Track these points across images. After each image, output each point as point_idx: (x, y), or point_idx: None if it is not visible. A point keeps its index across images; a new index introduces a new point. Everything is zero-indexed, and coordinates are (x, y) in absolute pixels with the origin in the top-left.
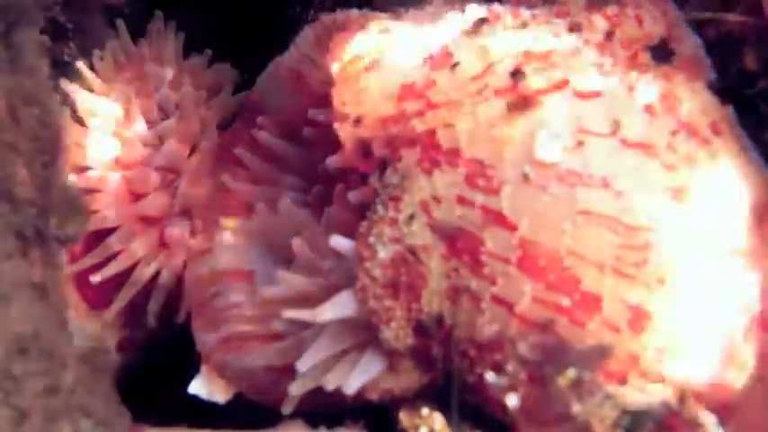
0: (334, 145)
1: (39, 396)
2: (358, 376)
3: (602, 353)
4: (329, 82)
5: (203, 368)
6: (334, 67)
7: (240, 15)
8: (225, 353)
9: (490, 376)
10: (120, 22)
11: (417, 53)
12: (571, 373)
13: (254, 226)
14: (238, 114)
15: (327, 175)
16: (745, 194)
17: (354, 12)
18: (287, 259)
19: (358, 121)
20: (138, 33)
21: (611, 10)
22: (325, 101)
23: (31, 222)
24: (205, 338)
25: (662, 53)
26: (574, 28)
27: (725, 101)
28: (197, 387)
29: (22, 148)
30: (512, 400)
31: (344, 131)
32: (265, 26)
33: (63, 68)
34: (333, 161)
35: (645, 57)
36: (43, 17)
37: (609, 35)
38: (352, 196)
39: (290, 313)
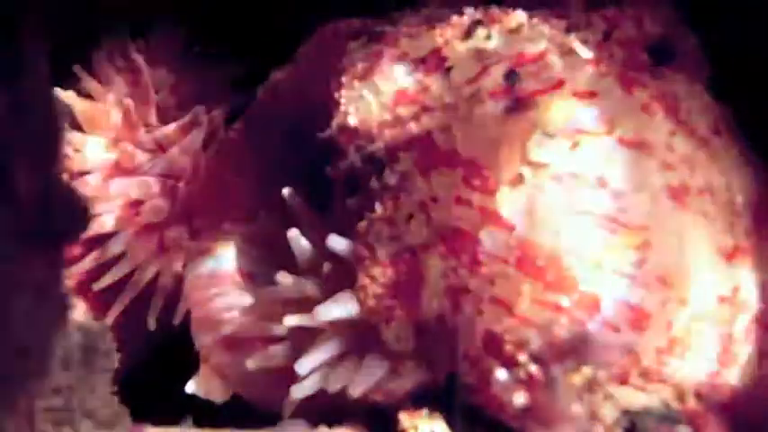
0: (335, 152)
1: (39, 397)
2: (361, 379)
3: (623, 351)
4: (329, 91)
5: (202, 368)
6: (331, 76)
7: (242, 13)
8: (224, 354)
9: (500, 374)
10: (119, 25)
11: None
12: (586, 371)
13: (256, 228)
14: (240, 116)
15: (328, 182)
16: (744, 194)
17: (355, 20)
18: (288, 262)
19: (356, 128)
20: (137, 34)
21: (610, 10)
22: (325, 110)
23: (32, 222)
24: (204, 339)
25: (661, 53)
26: (571, 28)
27: (724, 101)
28: (195, 387)
29: (22, 147)
30: (519, 399)
31: (343, 138)
32: (267, 24)
33: (62, 72)
34: (332, 170)
35: (644, 57)
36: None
37: (607, 35)
38: (351, 203)
39: (291, 319)
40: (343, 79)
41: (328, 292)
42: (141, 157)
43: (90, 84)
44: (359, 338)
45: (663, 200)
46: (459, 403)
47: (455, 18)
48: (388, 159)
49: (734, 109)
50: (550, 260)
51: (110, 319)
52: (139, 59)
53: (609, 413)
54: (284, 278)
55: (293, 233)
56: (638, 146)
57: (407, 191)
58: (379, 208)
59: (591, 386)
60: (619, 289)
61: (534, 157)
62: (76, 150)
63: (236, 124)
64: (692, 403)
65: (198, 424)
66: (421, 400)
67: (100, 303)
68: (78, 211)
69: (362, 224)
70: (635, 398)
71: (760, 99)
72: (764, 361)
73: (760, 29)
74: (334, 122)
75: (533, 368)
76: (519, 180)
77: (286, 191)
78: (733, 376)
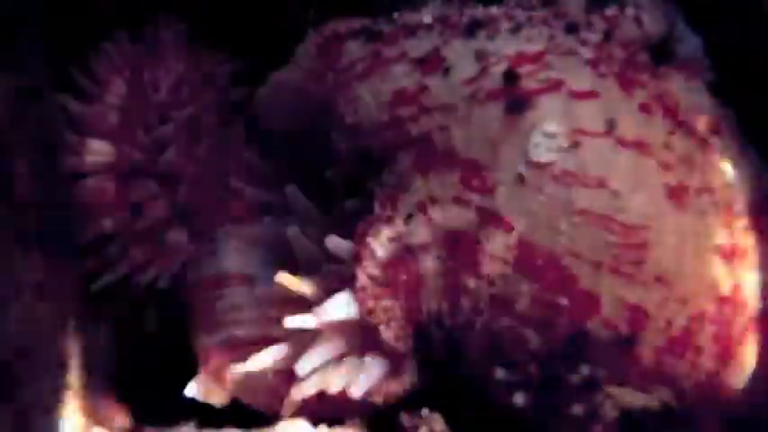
0: (334, 152)
1: (39, 396)
2: (362, 379)
3: (617, 350)
4: (328, 92)
5: (201, 371)
6: (330, 77)
7: (242, 13)
8: (223, 356)
9: (498, 375)
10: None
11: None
12: (584, 370)
13: (258, 230)
14: (240, 117)
15: (328, 183)
16: (744, 194)
17: (354, 20)
18: (288, 263)
19: (354, 128)
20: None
21: (611, 11)
22: (324, 110)
23: (32, 223)
24: (203, 341)
25: (661, 53)
26: (571, 29)
27: (725, 101)
28: (193, 390)
29: (23, 148)
30: (518, 399)
31: (342, 139)
32: (267, 24)
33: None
34: (332, 172)
35: (644, 57)
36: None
37: (607, 35)
38: (350, 204)
39: (291, 320)
40: (342, 79)
41: (328, 293)
42: (140, 157)
43: (88, 84)
44: (358, 339)
45: (662, 199)
46: (459, 403)
47: (455, 18)
48: (387, 160)
49: (734, 109)
50: (549, 260)
51: (109, 320)
52: (138, 56)
53: (609, 413)
54: (284, 279)
55: (293, 232)
56: (637, 146)
57: (406, 191)
58: (378, 208)
59: (590, 386)
60: (618, 288)
61: (533, 157)
62: (74, 152)
63: (237, 125)
64: (692, 403)
65: (198, 424)
66: (421, 399)
67: (100, 305)
68: (79, 212)
69: (362, 225)
70: (635, 398)
71: (760, 99)
72: (764, 361)
73: (760, 29)
74: (333, 123)
75: (532, 367)
76: (518, 180)
77: (288, 188)
78: (733, 376)
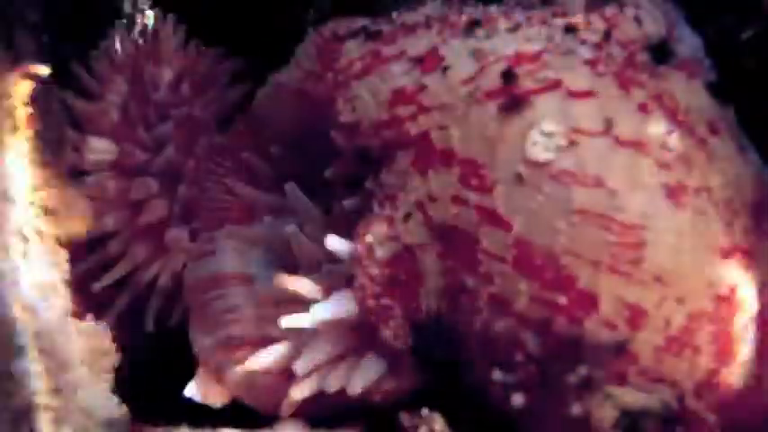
0: (334, 152)
1: (40, 397)
2: (360, 378)
3: (616, 350)
4: (328, 92)
5: (199, 372)
6: (329, 77)
7: (242, 13)
8: (222, 357)
9: (497, 375)
10: (117, 23)
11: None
12: (582, 370)
13: (257, 231)
14: (238, 114)
15: (328, 182)
16: (743, 193)
17: (353, 19)
18: (288, 263)
19: (353, 127)
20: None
21: (610, 10)
22: (324, 110)
23: (32, 222)
24: (202, 342)
25: (661, 53)
26: (570, 28)
27: (725, 101)
28: (192, 391)
29: (22, 148)
30: (517, 399)
31: (341, 139)
32: (267, 24)
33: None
34: (331, 171)
35: (643, 57)
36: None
37: (607, 35)
38: (349, 204)
39: (289, 319)
40: (341, 78)
41: (327, 292)
42: (141, 156)
43: (89, 82)
44: (357, 338)
45: (660, 199)
46: (459, 402)
47: (453, 17)
48: (386, 159)
49: (734, 109)
50: (548, 259)
51: (109, 319)
52: (139, 54)
53: (609, 413)
54: (283, 279)
55: (292, 230)
56: (636, 145)
57: (405, 190)
58: (376, 208)
59: (589, 386)
60: (616, 287)
61: (531, 156)
62: (75, 150)
63: (237, 125)
64: (691, 403)
65: (197, 423)
66: (420, 399)
67: (100, 303)
68: (78, 211)
69: (361, 224)
70: (635, 398)
71: (760, 99)
72: (763, 360)
73: (760, 29)
74: (332, 122)
75: (531, 367)
76: (516, 179)
77: (288, 186)
78: (732, 376)
